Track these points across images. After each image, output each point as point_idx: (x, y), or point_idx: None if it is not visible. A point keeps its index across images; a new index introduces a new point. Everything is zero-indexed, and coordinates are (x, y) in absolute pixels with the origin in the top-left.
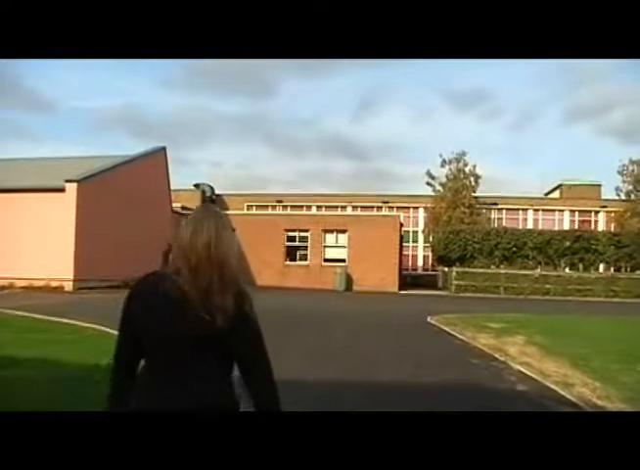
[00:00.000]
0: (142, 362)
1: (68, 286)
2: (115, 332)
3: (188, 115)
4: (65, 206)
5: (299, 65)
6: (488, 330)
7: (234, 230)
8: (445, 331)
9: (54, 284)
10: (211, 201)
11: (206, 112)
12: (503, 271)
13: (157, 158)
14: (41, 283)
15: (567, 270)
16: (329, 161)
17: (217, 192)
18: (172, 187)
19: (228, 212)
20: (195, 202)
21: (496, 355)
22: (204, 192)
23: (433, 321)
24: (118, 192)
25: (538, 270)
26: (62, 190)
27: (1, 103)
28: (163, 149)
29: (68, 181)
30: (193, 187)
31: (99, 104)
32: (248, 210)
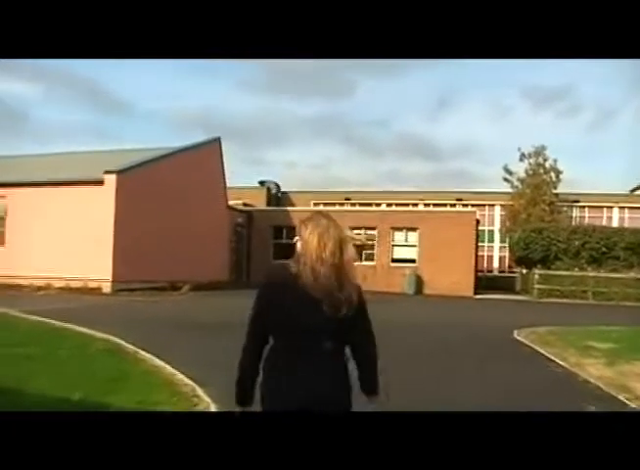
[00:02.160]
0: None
1: (107, 287)
2: (130, 346)
3: (265, 116)
4: (103, 199)
5: (376, 64)
6: (595, 352)
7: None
8: (540, 353)
9: (92, 285)
10: (277, 198)
11: (283, 113)
12: (592, 274)
13: (210, 149)
14: (79, 284)
15: None
16: (404, 161)
17: (286, 190)
18: (239, 184)
19: (289, 209)
20: (259, 199)
21: (621, 398)
22: (269, 189)
23: (521, 338)
24: (164, 185)
25: (632, 274)
26: (100, 182)
27: (81, 106)
28: (218, 140)
29: (107, 173)
30: (257, 184)
31: (177, 105)
32: (314, 207)
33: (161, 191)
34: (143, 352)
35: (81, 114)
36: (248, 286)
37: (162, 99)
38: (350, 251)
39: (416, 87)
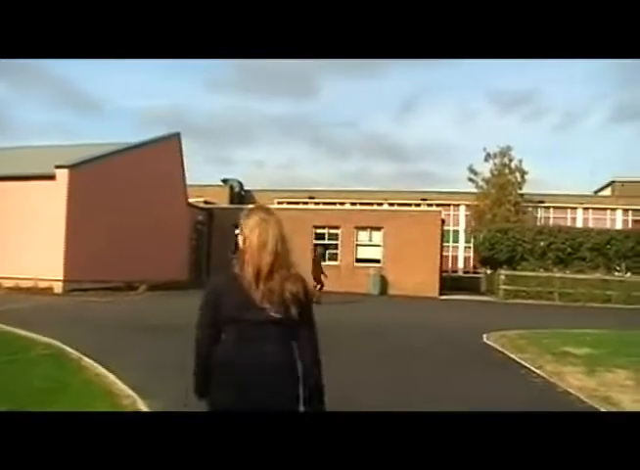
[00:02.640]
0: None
1: (58, 287)
2: (74, 351)
3: (233, 115)
4: (54, 195)
5: (341, 66)
6: (572, 359)
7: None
8: (514, 360)
9: (42, 285)
10: (240, 196)
11: (251, 112)
12: (558, 275)
13: (168, 145)
14: (29, 283)
15: (628, 275)
16: (370, 162)
17: (249, 188)
18: (202, 182)
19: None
20: (222, 197)
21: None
22: (232, 187)
23: (491, 342)
24: (120, 180)
25: (598, 274)
26: (51, 177)
27: (52, 105)
28: (177, 135)
29: (58, 167)
30: (220, 182)
31: (146, 104)
32: (278, 206)
33: (117, 187)
34: (87, 359)
35: (52, 112)
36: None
37: (132, 98)
38: (289, 244)
39: (383, 88)
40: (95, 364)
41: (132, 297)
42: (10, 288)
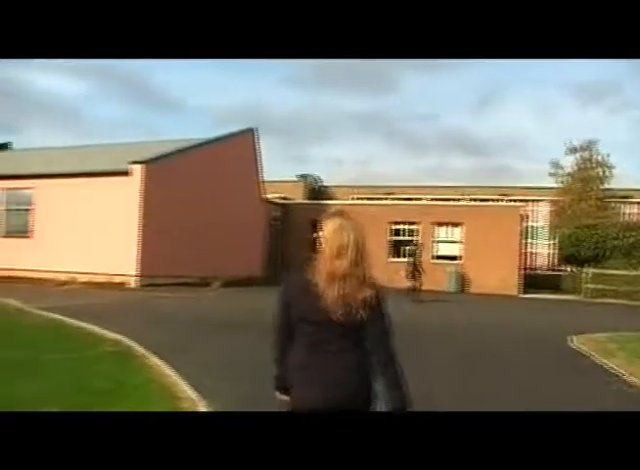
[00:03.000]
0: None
1: (132, 282)
2: (141, 349)
3: (310, 112)
4: (129, 191)
5: (419, 61)
6: None
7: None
8: (604, 368)
9: (117, 280)
10: (317, 192)
11: (328, 109)
12: None
13: (243, 140)
14: (103, 278)
15: None
16: (448, 157)
17: (326, 184)
18: (281, 178)
19: (328, 202)
20: (299, 193)
21: None
22: (309, 183)
23: (578, 346)
24: (194, 176)
25: None
26: (126, 173)
27: (130, 103)
28: (252, 130)
29: (133, 163)
30: (297, 178)
31: (223, 102)
32: (355, 201)
33: (192, 182)
34: (152, 357)
35: (130, 111)
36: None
37: (208, 96)
38: (366, 252)
39: (461, 82)
40: (160, 363)
41: (206, 293)
42: (85, 283)
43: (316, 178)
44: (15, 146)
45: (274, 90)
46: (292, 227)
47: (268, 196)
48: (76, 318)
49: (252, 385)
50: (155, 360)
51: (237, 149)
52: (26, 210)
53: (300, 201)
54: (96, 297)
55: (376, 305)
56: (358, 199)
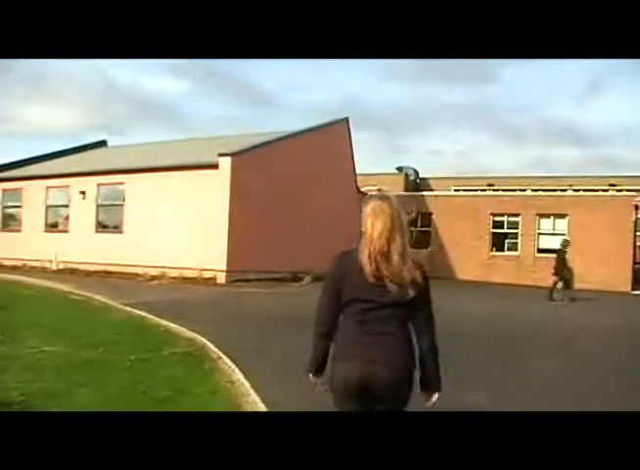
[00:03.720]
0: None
1: (222, 278)
2: (216, 350)
3: (409, 104)
4: (218, 184)
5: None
6: None
7: (408, 214)
8: None
9: (206, 275)
10: (415, 184)
11: (427, 101)
12: None
13: (336, 131)
14: (193, 273)
15: None
16: (552, 147)
17: (425, 176)
18: (378, 171)
19: (425, 194)
20: (397, 186)
21: None
22: (407, 175)
23: None
24: (285, 168)
25: None
26: (214, 166)
27: (228, 100)
28: (345, 121)
29: (221, 155)
30: (396, 170)
31: (319, 97)
32: (453, 193)
33: (282, 174)
34: (227, 360)
35: (229, 107)
36: None
37: (307, 91)
38: (402, 230)
39: (564, 71)
40: (233, 367)
41: (296, 288)
42: (175, 278)
43: (414, 170)
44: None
45: (372, 83)
46: None
47: (365, 188)
48: (158, 315)
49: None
50: (228, 364)
51: (329, 140)
52: (118, 205)
53: (396, 193)
54: (182, 292)
55: (423, 288)
56: (458, 190)
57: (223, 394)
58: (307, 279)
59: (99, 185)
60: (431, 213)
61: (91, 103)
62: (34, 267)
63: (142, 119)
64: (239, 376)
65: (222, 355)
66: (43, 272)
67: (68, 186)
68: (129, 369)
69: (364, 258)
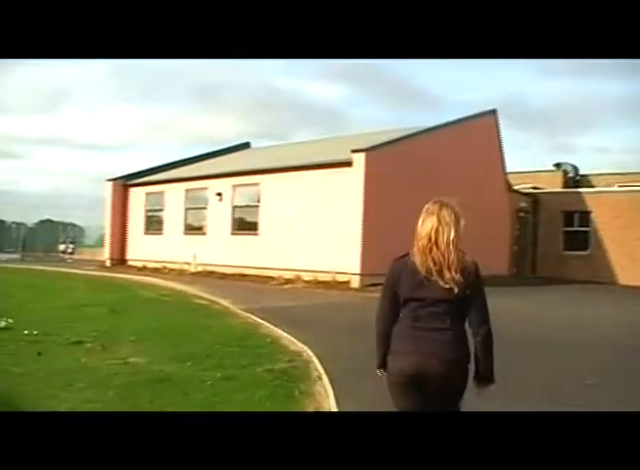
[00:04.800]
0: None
1: (356, 282)
2: (320, 368)
3: (570, 100)
4: (351, 183)
5: None
6: None
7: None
8: None
9: (340, 279)
10: (574, 182)
11: (591, 96)
12: None
13: (482, 124)
14: (327, 277)
15: None
16: None
17: (585, 172)
18: (535, 168)
19: (583, 190)
20: (554, 183)
21: None
22: (565, 172)
23: None
24: (423, 164)
25: None
26: (348, 164)
27: (390, 102)
28: (492, 113)
29: (355, 151)
30: (553, 167)
31: (479, 97)
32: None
33: (422, 171)
34: (326, 382)
35: (390, 110)
36: (533, 282)
37: (469, 91)
38: (450, 233)
39: None
40: (330, 393)
41: None
42: (308, 282)
43: (574, 167)
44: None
45: (529, 81)
46: (542, 219)
47: (519, 186)
48: (276, 322)
49: None
50: (325, 387)
51: (475, 133)
52: (254, 206)
53: (552, 190)
54: (311, 297)
55: (476, 285)
56: (620, 187)
57: None
58: None
59: (235, 186)
60: (589, 212)
61: (253, 109)
62: (173, 270)
63: (304, 124)
64: (331, 403)
65: (323, 376)
66: (180, 275)
67: (205, 188)
68: (206, 389)
69: (417, 260)
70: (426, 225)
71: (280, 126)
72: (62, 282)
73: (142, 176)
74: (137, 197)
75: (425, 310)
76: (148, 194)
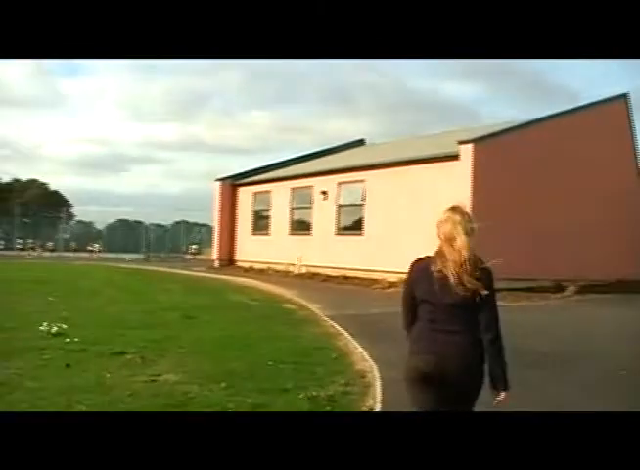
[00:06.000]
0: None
1: None
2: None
3: None
4: (457, 177)
5: None
6: None
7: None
8: None
9: None
10: None
11: None
12: None
13: (612, 109)
14: None
15: None
16: None
17: None
18: None
19: None
20: None
21: None
22: None
23: None
24: (541, 156)
25: None
26: (454, 157)
27: (521, 100)
28: (624, 97)
29: (461, 143)
30: None
31: (617, 91)
32: None
33: (538, 163)
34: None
35: (522, 108)
36: None
37: (610, 87)
38: (466, 239)
39: None
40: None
41: (557, 300)
42: (392, 283)
43: None
44: None
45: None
46: None
47: None
48: (357, 332)
49: None
50: None
51: (602, 120)
52: (359, 204)
53: None
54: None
55: (488, 288)
56: None
57: None
58: (571, 289)
59: (339, 184)
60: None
61: (387, 110)
62: (278, 271)
63: (439, 124)
64: None
65: (378, 405)
66: (285, 277)
67: (311, 187)
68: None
69: (434, 263)
70: (442, 230)
71: (413, 126)
72: (157, 284)
73: (250, 176)
74: (245, 197)
75: (441, 313)
76: (255, 193)
